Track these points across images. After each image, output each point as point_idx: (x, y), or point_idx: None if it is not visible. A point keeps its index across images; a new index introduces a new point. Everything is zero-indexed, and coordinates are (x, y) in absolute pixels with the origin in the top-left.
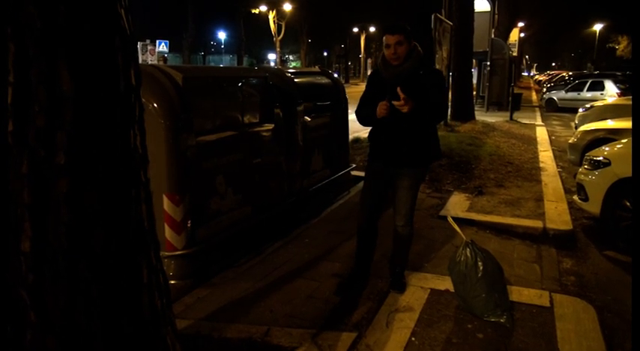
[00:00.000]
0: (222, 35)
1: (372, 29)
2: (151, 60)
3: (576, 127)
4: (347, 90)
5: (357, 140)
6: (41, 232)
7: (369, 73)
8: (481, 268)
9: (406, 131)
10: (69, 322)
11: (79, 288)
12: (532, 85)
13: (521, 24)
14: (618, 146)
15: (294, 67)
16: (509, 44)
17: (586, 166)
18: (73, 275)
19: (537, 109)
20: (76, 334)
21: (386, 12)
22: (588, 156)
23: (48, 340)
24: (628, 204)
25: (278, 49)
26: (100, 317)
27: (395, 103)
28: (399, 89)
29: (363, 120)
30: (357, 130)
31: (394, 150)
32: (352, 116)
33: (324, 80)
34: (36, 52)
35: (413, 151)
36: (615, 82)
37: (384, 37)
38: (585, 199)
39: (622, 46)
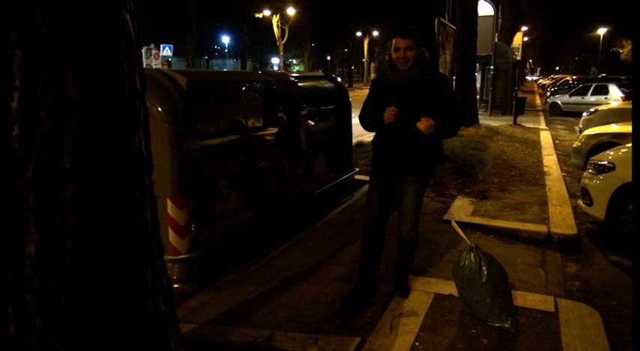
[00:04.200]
0: (225, 39)
1: (375, 33)
2: (155, 64)
3: (580, 131)
4: (350, 94)
5: (360, 144)
6: (47, 236)
7: (372, 77)
8: (485, 272)
9: (411, 138)
10: (73, 324)
11: (83, 291)
12: (536, 89)
13: (524, 28)
14: (623, 150)
15: (297, 71)
16: (513, 48)
17: (590, 171)
18: (77, 278)
19: (541, 113)
20: (80, 336)
21: (389, 16)
22: (593, 160)
23: (53, 343)
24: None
25: (281, 53)
26: (104, 320)
27: (418, 125)
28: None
29: (367, 125)
30: (361, 134)
31: (398, 156)
32: (356, 120)
33: (328, 84)
34: (41, 57)
35: (417, 157)
36: (619, 86)
37: (393, 40)
38: (590, 203)
39: (626, 49)
